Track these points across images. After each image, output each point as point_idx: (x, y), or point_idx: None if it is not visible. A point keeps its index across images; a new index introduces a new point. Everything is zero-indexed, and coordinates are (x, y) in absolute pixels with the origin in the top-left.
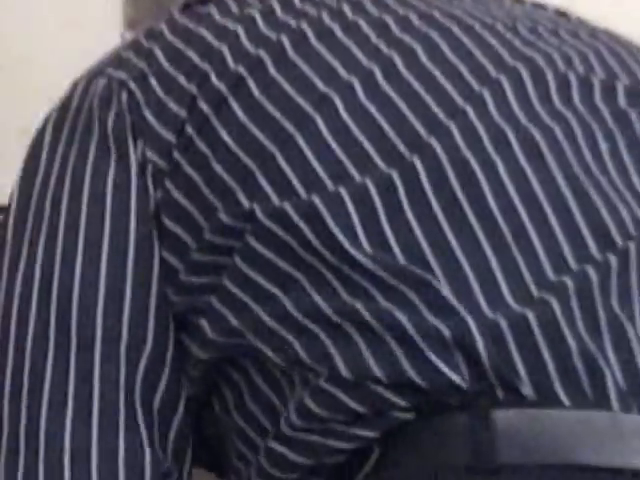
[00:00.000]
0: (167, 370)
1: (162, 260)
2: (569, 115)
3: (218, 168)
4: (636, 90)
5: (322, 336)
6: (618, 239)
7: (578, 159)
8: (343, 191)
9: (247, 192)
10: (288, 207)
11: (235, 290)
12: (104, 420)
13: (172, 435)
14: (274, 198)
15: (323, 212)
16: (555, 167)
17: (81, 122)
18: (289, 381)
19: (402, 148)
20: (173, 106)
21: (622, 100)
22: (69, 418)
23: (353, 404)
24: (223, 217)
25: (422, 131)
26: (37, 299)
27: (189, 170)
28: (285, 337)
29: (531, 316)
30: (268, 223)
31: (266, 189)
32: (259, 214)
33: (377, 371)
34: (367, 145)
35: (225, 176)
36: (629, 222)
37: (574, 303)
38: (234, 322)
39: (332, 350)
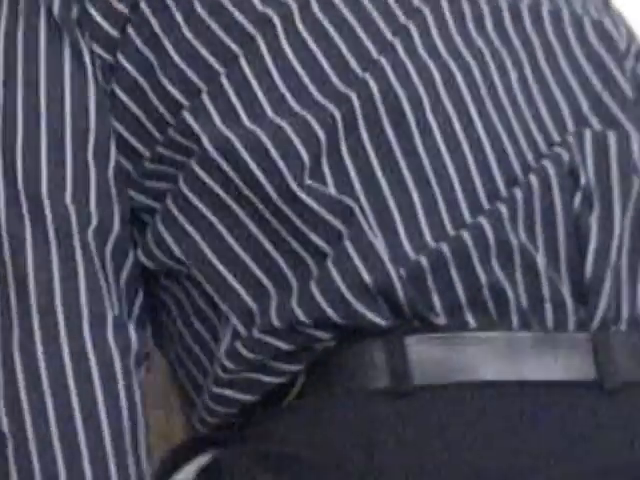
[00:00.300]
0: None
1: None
2: (483, 46)
3: (164, 79)
4: (536, 9)
5: (264, 281)
6: (520, 173)
7: (492, 95)
8: (286, 125)
9: (193, 111)
10: (234, 138)
11: (177, 213)
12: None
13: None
14: (219, 123)
15: (268, 145)
16: (471, 104)
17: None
18: (219, 317)
19: (339, 84)
20: (116, 4)
21: (528, 24)
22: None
23: (283, 345)
24: (173, 134)
25: (356, 67)
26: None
27: (134, 74)
28: (226, 278)
29: (446, 250)
30: (213, 153)
31: (211, 111)
32: (205, 142)
33: (303, 317)
34: (306, 80)
35: (171, 89)
36: (531, 155)
37: (488, 238)
38: (174, 247)
39: (271, 297)
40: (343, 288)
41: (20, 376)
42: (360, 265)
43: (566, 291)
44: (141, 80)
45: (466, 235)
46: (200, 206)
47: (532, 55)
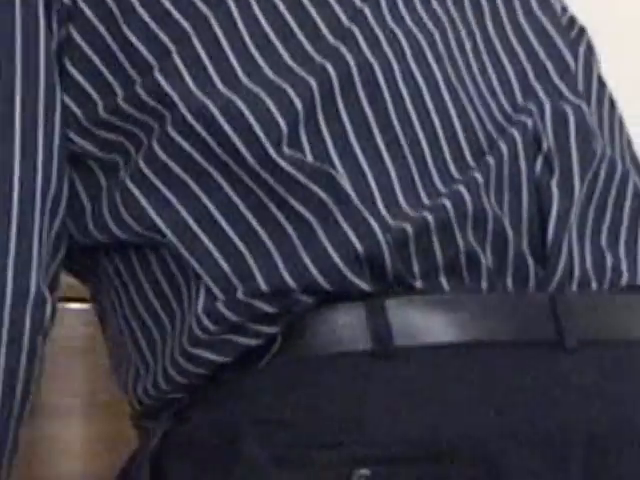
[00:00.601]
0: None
1: (64, 105)
2: (443, 15)
3: (130, 35)
4: None
5: (242, 248)
6: (485, 143)
7: (453, 65)
8: (262, 92)
9: (164, 71)
10: (210, 105)
11: (150, 174)
12: None
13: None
14: (193, 88)
15: (246, 113)
16: (438, 74)
17: None
18: (193, 285)
19: (314, 54)
20: None
21: None
22: None
23: (268, 309)
24: (140, 92)
25: (329, 36)
26: None
27: (96, 22)
28: (204, 243)
29: (430, 219)
30: (190, 119)
31: (183, 73)
32: (181, 106)
33: (292, 283)
34: (280, 48)
35: (140, 46)
36: (491, 124)
37: (467, 206)
38: (154, 215)
39: (252, 264)
40: (336, 257)
41: None
42: (351, 233)
43: (528, 253)
44: (102, 29)
45: (448, 204)
46: (179, 171)
47: (483, 25)
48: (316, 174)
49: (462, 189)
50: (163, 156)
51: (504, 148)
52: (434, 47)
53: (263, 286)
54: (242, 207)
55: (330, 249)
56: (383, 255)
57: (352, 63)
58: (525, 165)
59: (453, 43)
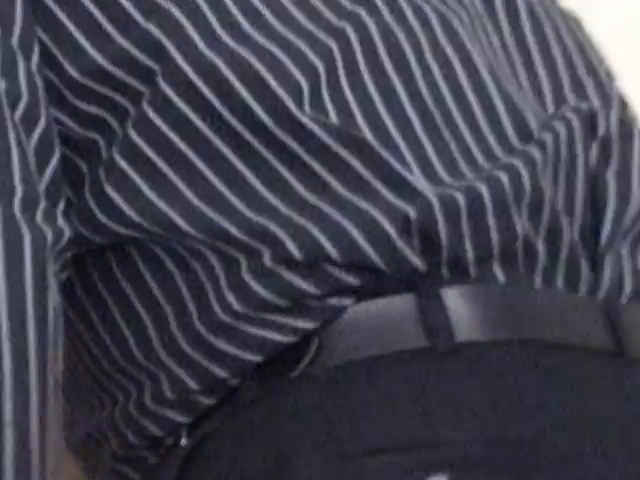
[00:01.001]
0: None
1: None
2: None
3: None
4: None
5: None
6: (535, 125)
7: (489, 48)
8: (277, 50)
9: (159, 21)
10: (216, 58)
11: (144, 146)
12: None
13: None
14: (197, 40)
15: (262, 70)
16: (473, 51)
17: None
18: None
19: (331, 17)
20: None
21: None
22: None
23: (304, 285)
24: (125, 44)
25: (346, 1)
26: None
27: None
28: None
29: (485, 191)
30: (192, 76)
31: (184, 24)
32: (180, 61)
33: (332, 252)
34: (293, 10)
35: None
36: (540, 109)
37: (524, 182)
38: (148, 193)
39: (280, 233)
40: (383, 221)
41: None
42: (396, 198)
43: (581, 254)
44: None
45: (503, 177)
46: (175, 139)
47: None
48: (345, 137)
49: (518, 162)
50: (158, 121)
51: (561, 128)
52: (465, 26)
53: (297, 254)
54: (250, 176)
55: (379, 217)
56: (437, 223)
57: (373, 28)
58: (582, 151)
59: (481, 26)
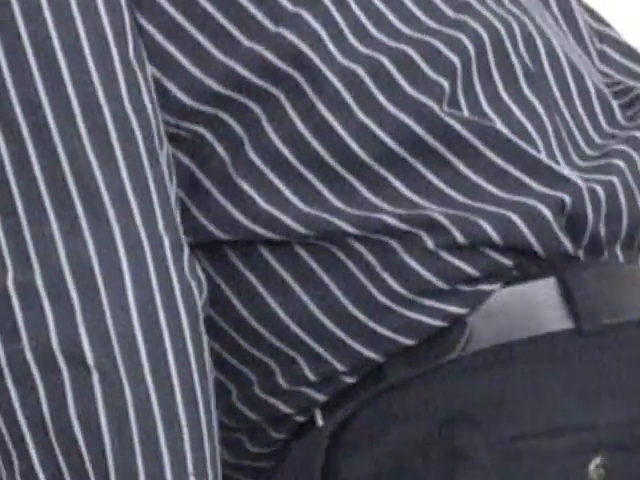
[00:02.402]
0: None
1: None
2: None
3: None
4: None
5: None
6: (619, 116)
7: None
8: (412, 51)
9: (295, 28)
10: (357, 67)
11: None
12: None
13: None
14: (332, 48)
15: (397, 76)
16: (563, 34)
17: None
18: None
19: (448, 11)
20: None
21: None
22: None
23: (464, 266)
24: (258, 48)
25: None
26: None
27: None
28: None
29: (616, 181)
30: (336, 83)
31: (316, 28)
32: (323, 69)
33: (494, 237)
34: (415, 9)
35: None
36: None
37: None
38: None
39: (445, 221)
40: (544, 211)
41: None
42: (551, 190)
43: None
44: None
45: (621, 164)
46: (323, 154)
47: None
48: (483, 131)
49: (627, 149)
50: (305, 132)
51: None
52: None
53: (460, 239)
54: (393, 179)
55: (540, 206)
56: (586, 208)
57: (496, 22)
58: None
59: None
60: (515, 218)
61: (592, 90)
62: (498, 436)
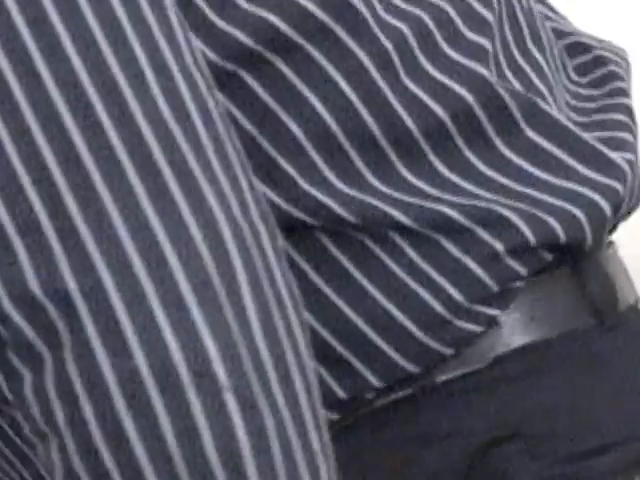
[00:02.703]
0: None
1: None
2: None
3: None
4: None
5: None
6: None
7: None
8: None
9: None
10: (401, 24)
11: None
12: None
13: None
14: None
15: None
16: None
17: None
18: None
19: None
20: None
21: None
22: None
23: (519, 268)
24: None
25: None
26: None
27: None
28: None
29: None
30: (378, 33)
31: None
32: (366, 12)
33: (562, 238)
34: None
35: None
36: None
37: None
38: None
39: (516, 220)
40: (607, 210)
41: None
42: (607, 179)
43: None
44: None
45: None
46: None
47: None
48: (526, 105)
49: (628, 137)
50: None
51: None
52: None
53: (498, 245)
54: (446, 172)
55: (591, 193)
56: (628, 194)
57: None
58: None
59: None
60: (580, 215)
61: (554, 40)
62: (546, 458)
